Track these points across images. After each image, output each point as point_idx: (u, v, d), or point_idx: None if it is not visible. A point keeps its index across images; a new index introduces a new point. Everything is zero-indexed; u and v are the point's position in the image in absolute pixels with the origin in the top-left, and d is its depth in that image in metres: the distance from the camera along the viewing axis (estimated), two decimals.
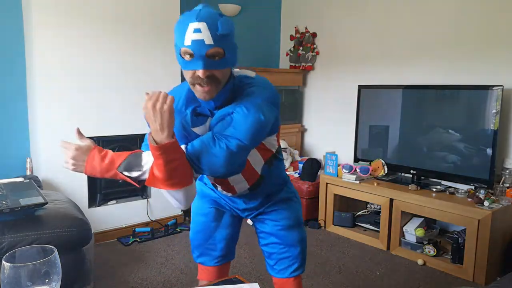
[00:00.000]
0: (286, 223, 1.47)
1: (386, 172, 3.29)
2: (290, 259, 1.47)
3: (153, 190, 3.34)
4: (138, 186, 1.18)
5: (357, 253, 3.02)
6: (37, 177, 2.74)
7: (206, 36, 1.06)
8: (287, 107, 4.23)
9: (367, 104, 3.46)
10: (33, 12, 2.66)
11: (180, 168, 1.08)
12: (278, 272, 1.50)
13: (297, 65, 4.33)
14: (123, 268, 2.69)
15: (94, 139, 2.96)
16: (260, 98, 1.15)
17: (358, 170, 3.25)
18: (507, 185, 2.77)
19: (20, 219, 1.81)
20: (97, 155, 1.14)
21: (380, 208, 3.16)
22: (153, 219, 3.35)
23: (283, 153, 3.84)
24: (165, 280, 2.54)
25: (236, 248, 1.66)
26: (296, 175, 3.73)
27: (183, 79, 3.38)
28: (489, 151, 2.71)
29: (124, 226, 3.20)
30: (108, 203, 3.18)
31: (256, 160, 1.33)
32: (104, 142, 3.02)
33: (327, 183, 3.43)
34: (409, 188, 2.98)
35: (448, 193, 2.87)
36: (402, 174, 3.37)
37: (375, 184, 3.12)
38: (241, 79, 1.22)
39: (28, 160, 2.96)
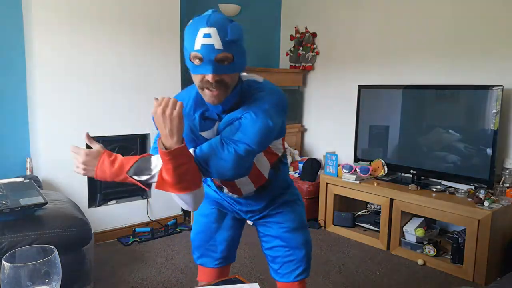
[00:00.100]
0: (291, 225, 1.47)
1: (386, 172, 3.29)
2: (295, 263, 1.47)
3: (153, 190, 3.33)
4: (147, 189, 1.22)
5: (357, 253, 3.02)
6: (37, 177, 2.74)
7: (215, 41, 1.07)
8: None
9: (367, 104, 3.46)
10: (33, 12, 2.66)
11: (189, 172, 1.10)
12: (283, 276, 1.48)
13: (297, 65, 4.33)
14: (123, 268, 2.69)
15: (94, 139, 2.96)
16: (268, 103, 1.17)
17: (358, 170, 3.25)
18: (507, 185, 2.77)
19: (20, 219, 1.81)
20: (107, 160, 1.16)
21: (380, 208, 3.16)
22: (153, 219, 3.35)
23: None
24: (165, 280, 2.54)
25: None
26: (296, 175, 3.73)
27: (183, 79, 3.41)
28: (489, 151, 2.71)
29: (124, 226, 3.20)
30: (108, 203, 3.18)
31: (262, 163, 1.34)
32: (104, 142, 3.02)
33: (327, 183, 3.43)
34: (409, 188, 2.98)
35: (448, 193, 2.87)
36: (402, 174, 3.37)
37: (375, 184, 3.12)
38: (250, 84, 1.23)
39: (28, 160, 2.96)
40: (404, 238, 2.99)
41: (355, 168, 3.25)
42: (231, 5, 3.99)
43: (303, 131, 4.43)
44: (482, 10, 2.96)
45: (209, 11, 1.12)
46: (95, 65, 2.93)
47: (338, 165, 3.37)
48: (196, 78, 1.15)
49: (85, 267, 1.99)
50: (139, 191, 3.36)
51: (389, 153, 3.34)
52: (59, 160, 2.83)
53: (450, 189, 2.92)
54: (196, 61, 1.11)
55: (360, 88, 3.49)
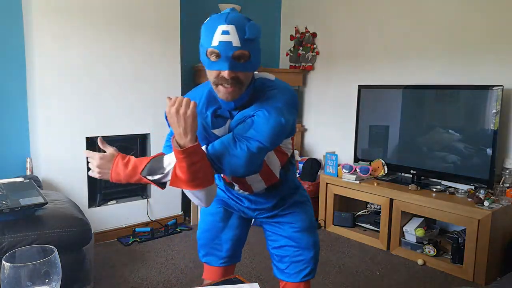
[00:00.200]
0: (302, 226, 1.48)
1: (386, 172, 3.29)
2: (303, 263, 1.47)
3: (153, 190, 3.34)
4: (162, 189, 1.22)
5: (357, 253, 3.02)
6: (37, 177, 2.74)
7: (234, 39, 1.10)
8: None
9: (367, 104, 3.46)
10: (33, 12, 2.66)
11: (202, 169, 1.11)
12: (290, 276, 1.48)
13: (297, 65, 4.33)
14: (123, 268, 2.69)
15: (94, 139, 2.96)
16: (281, 101, 1.18)
17: (358, 170, 3.25)
18: (507, 185, 2.77)
19: (20, 219, 1.81)
20: (121, 162, 1.19)
21: (380, 208, 3.16)
22: (153, 219, 3.35)
23: None
24: (165, 280, 2.54)
25: None
26: (296, 175, 3.72)
27: (183, 79, 3.41)
28: (489, 151, 2.71)
29: (124, 226, 3.20)
30: (108, 203, 3.18)
31: (273, 163, 1.36)
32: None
33: (327, 183, 3.43)
34: (409, 188, 2.98)
35: (448, 193, 2.87)
36: (402, 174, 3.37)
37: (375, 184, 3.12)
38: (262, 82, 1.25)
39: (28, 160, 2.96)
40: (404, 238, 2.99)
41: (355, 168, 3.25)
42: (231, 5, 3.99)
43: (303, 131, 4.43)
44: (482, 10, 2.96)
45: (227, 10, 1.14)
46: (95, 66, 2.93)
47: (338, 165, 3.37)
48: (211, 74, 1.16)
49: (85, 267, 1.99)
50: (139, 191, 3.36)
51: (389, 153, 3.34)
52: (59, 160, 2.83)
53: (450, 189, 2.92)
54: (213, 57, 1.13)
55: (360, 88, 3.49)
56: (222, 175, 1.47)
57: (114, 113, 3.05)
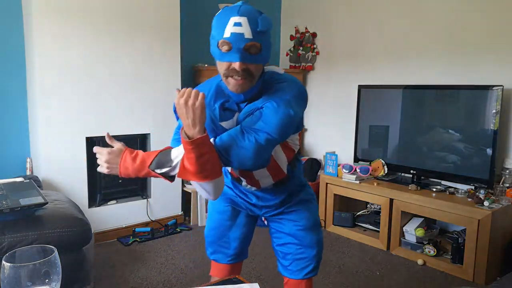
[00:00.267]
0: (305, 224, 1.48)
1: (386, 172, 3.29)
2: (305, 260, 1.48)
3: (153, 190, 3.34)
4: (171, 181, 1.22)
5: (357, 253, 3.02)
6: (37, 177, 2.74)
7: (246, 30, 1.11)
8: None
9: (367, 104, 3.46)
10: (33, 12, 2.66)
11: (211, 161, 1.11)
12: (293, 273, 1.49)
13: (297, 65, 4.33)
14: (123, 268, 2.69)
15: (94, 139, 2.96)
16: (289, 94, 1.19)
17: (358, 170, 3.25)
18: (507, 185, 2.77)
19: (20, 219, 1.81)
20: (129, 157, 1.19)
21: (380, 208, 3.16)
22: (153, 219, 3.35)
23: None
24: (165, 280, 2.54)
25: None
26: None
27: (183, 80, 3.40)
28: (489, 151, 2.71)
29: (124, 226, 3.20)
30: (108, 203, 3.18)
31: (280, 158, 1.36)
32: (104, 142, 3.01)
33: (327, 183, 3.43)
34: (409, 188, 2.98)
35: (448, 193, 2.87)
36: (402, 174, 3.37)
37: (375, 184, 3.12)
38: (271, 75, 1.25)
39: (28, 160, 2.96)
40: (404, 238, 2.99)
41: (355, 168, 3.25)
42: (231, 5, 3.99)
43: (303, 131, 4.43)
44: (482, 10, 2.96)
45: (240, 2, 1.16)
46: (95, 66, 2.93)
47: (338, 165, 3.37)
48: (221, 66, 1.17)
49: (85, 267, 1.99)
50: (139, 191, 3.36)
51: (389, 153, 3.34)
52: (59, 160, 2.83)
53: (450, 189, 2.92)
54: (224, 49, 1.13)
55: (360, 88, 3.49)
56: (230, 170, 1.47)
57: (114, 113, 3.05)
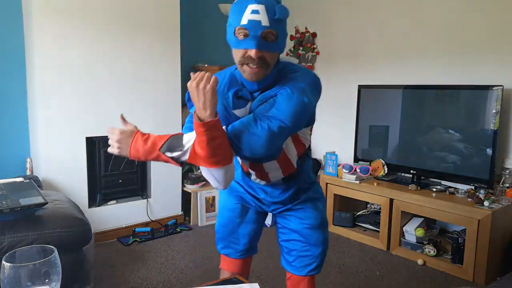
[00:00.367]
0: (312, 223, 1.48)
1: (386, 172, 3.29)
2: (310, 258, 1.49)
3: (153, 190, 3.34)
4: (180, 166, 1.22)
5: (357, 253, 3.02)
6: (37, 177, 2.74)
7: (263, 18, 1.12)
8: None
9: (367, 104, 3.46)
10: (33, 12, 2.66)
11: (222, 146, 1.11)
12: (296, 269, 1.50)
13: None
14: (123, 268, 2.69)
15: (94, 139, 2.96)
16: (304, 82, 1.20)
17: (358, 170, 3.25)
18: (507, 185, 2.77)
19: (20, 219, 1.81)
20: (140, 138, 1.19)
21: (380, 208, 3.16)
22: (153, 219, 3.35)
23: None
24: (165, 280, 2.54)
25: None
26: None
27: (183, 80, 3.40)
28: (489, 151, 2.71)
29: (124, 226, 3.20)
30: (108, 203, 3.18)
31: (290, 151, 1.36)
32: (104, 142, 3.02)
33: (327, 183, 3.43)
34: (409, 188, 2.98)
35: (448, 193, 2.87)
36: (402, 174, 3.37)
37: (375, 184, 3.12)
38: (285, 65, 1.26)
39: (28, 160, 2.96)
40: (404, 238, 2.99)
41: (355, 168, 3.25)
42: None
43: None
44: (482, 10, 2.96)
45: None
46: (95, 66, 2.93)
47: (338, 165, 3.37)
48: (237, 54, 1.17)
49: (85, 267, 1.99)
50: (139, 191, 3.36)
51: (389, 153, 3.34)
52: (59, 160, 2.83)
53: (450, 189, 2.92)
54: (241, 36, 1.14)
55: (360, 88, 3.49)
56: (240, 162, 1.47)
57: (114, 113, 3.05)
